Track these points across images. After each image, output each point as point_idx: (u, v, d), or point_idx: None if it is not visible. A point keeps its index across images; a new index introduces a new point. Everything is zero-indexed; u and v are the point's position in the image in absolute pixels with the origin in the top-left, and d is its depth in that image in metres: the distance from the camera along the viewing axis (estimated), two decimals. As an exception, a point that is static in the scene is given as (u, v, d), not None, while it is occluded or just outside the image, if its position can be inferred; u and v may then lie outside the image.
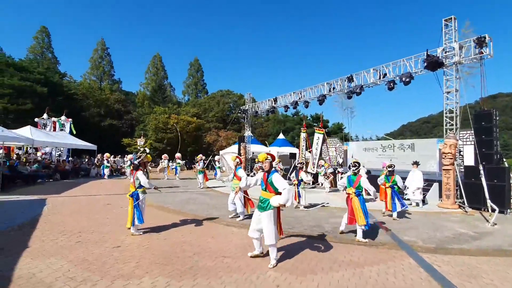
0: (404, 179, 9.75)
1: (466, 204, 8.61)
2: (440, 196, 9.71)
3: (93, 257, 4.15)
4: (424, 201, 9.60)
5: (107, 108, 36.76)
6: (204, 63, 79.95)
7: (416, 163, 9.52)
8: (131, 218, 5.36)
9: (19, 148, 18.20)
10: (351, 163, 5.88)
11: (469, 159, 9.90)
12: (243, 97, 33.06)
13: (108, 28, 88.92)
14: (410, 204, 9.46)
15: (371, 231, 6.06)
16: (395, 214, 7.35)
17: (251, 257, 4.30)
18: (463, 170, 9.60)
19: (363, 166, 11.90)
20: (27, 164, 14.20)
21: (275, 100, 17.18)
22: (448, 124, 9.90)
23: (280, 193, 3.95)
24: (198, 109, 38.01)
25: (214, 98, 42.80)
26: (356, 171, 5.62)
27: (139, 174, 5.47)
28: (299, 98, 15.55)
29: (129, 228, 5.42)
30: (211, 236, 5.45)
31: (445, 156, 9.23)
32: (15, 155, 16.56)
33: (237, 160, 7.07)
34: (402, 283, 3.58)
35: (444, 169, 9.30)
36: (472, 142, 9.63)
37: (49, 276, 3.49)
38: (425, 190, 10.17)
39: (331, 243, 5.16)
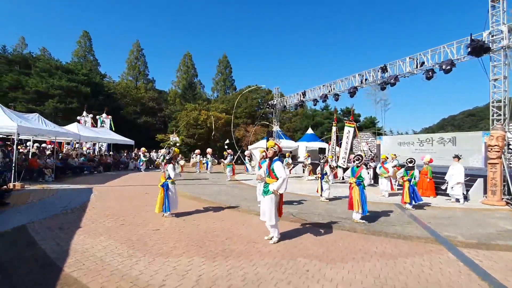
0: (444, 174, 9.19)
1: (515, 200, 7.91)
2: (485, 192, 8.99)
3: (136, 238, 4.54)
4: (466, 197, 8.98)
5: (142, 106, 38.91)
6: (232, 59, 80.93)
7: (457, 157, 8.93)
8: (161, 204, 5.96)
9: (68, 143, 20.03)
10: (355, 157, 6.42)
11: (520, 153, 9.02)
12: (271, 92, 33.02)
13: (142, 30, 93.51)
14: (450, 199, 8.93)
15: (406, 226, 5.89)
16: (409, 206, 7.58)
17: (267, 239, 4.62)
18: (511, 164, 8.80)
19: (397, 160, 11.41)
20: (75, 157, 15.61)
21: (304, 94, 16.98)
22: (495, 115, 9.13)
23: None
24: (227, 105, 38.71)
25: (242, 94, 43.23)
26: (358, 164, 6.13)
27: (169, 167, 6.08)
28: (329, 91, 15.23)
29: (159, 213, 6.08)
30: (242, 224, 5.64)
31: (492, 149, 8.53)
32: (64, 149, 18.29)
33: (264, 153, 7.36)
34: (438, 275, 3.45)
35: (490, 163, 8.60)
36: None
37: (99, 251, 3.90)
38: (468, 185, 9.48)
39: (363, 235, 5.10)
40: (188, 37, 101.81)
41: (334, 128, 15.46)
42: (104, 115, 23.58)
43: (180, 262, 3.62)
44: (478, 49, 8.83)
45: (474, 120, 73.91)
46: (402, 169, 8.10)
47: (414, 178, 7.66)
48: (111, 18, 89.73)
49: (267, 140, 19.66)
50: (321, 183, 8.71)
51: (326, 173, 8.66)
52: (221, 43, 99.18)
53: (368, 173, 6.73)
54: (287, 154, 18.06)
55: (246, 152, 20.14)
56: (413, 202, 7.53)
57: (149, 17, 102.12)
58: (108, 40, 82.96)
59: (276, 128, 21.93)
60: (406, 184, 7.66)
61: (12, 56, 33.79)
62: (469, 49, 9.05)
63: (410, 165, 7.85)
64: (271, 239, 4.58)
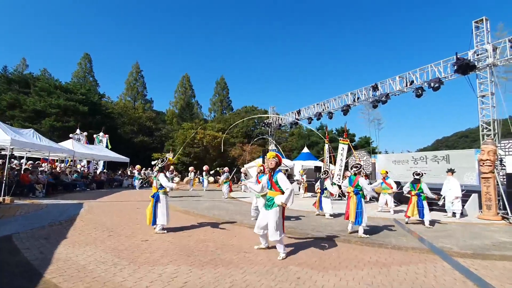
0: (438, 190, 9.15)
1: (510, 214, 7.87)
2: (480, 207, 8.95)
3: (123, 247, 4.40)
4: (462, 213, 8.88)
5: (140, 125, 39.08)
6: (229, 79, 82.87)
7: (451, 171, 8.95)
8: (151, 216, 5.56)
9: (62, 161, 19.82)
10: (353, 165, 6.24)
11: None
12: (267, 113, 33.50)
13: (142, 52, 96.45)
14: (447, 214, 8.83)
15: (401, 238, 5.80)
16: (427, 222, 7.05)
17: (257, 249, 4.52)
18: (505, 180, 8.84)
19: (388, 176, 11.38)
20: (68, 174, 15.39)
21: (299, 112, 17.28)
22: (485, 130, 9.31)
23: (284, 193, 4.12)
24: (224, 125, 39.04)
25: (239, 114, 43.80)
26: (356, 171, 5.92)
27: (161, 176, 5.71)
28: (323, 110, 15.53)
29: (151, 225, 5.66)
30: (234, 236, 5.51)
31: (483, 163, 8.61)
32: (58, 167, 18.04)
33: (261, 167, 7.23)
34: (433, 282, 3.36)
35: (483, 177, 8.64)
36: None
37: (83, 260, 3.76)
38: (463, 201, 9.40)
39: (358, 246, 5.00)
40: (186, 59, 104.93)
41: (326, 146, 15.56)
42: (101, 133, 23.55)
43: (167, 270, 3.49)
44: (464, 67, 9.19)
45: (468, 141, 74.96)
46: (408, 183, 7.88)
47: (422, 192, 7.33)
48: (112, 42, 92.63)
49: (263, 159, 19.67)
50: (321, 198, 8.58)
51: (326, 188, 8.53)
52: (219, 65, 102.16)
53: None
54: (282, 171, 17.95)
55: (242, 170, 20.06)
56: (426, 217, 7.06)
57: (149, 40, 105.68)
58: (108, 62, 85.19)
59: (272, 146, 22.05)
60: (414, 199, 7.32)
61: (12, 75, 34.30)
62: (455, 67, 9.42)
63: (417, 177, 7.58)
64: (264, 247, 4.46)
